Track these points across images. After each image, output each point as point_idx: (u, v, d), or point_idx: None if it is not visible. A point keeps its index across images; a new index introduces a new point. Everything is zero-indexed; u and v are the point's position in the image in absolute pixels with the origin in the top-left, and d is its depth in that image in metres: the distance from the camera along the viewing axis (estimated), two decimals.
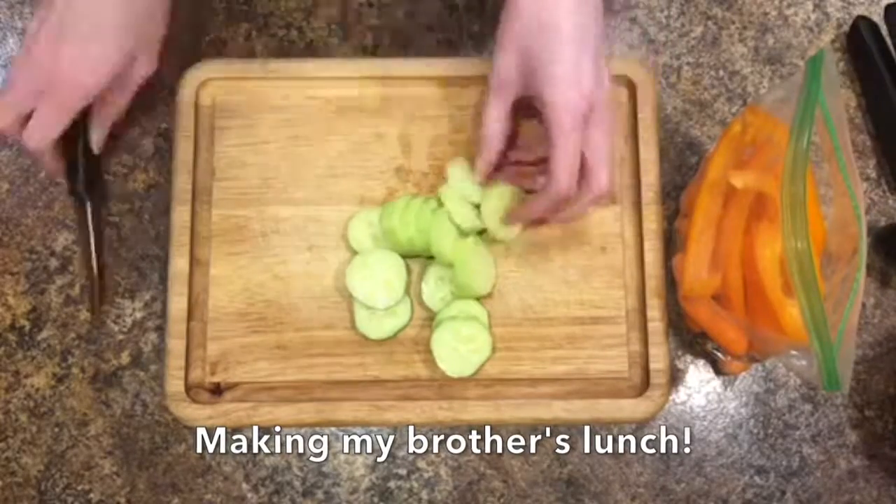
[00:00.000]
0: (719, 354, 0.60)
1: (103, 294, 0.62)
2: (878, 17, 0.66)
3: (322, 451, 0.60)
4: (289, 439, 0.60)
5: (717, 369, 0.61)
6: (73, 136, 0.61)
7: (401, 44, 0.66)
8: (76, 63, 0.53)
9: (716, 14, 0.67)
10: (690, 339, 0.58)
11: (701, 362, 0.62)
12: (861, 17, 0.65)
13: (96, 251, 0.61)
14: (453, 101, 0.62)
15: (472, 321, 0.57)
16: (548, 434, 0.60)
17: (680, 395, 0.61)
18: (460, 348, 0.57)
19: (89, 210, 0.62)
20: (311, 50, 0.66)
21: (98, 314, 0.61)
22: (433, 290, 0.59)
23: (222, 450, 0.60)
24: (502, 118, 0.55)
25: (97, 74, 0.54)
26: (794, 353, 0.51)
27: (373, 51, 0.66)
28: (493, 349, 0.58)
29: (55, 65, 0.53)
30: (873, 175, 0.65)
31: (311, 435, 0.60)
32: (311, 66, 0.62)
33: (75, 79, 0.53)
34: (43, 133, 0.55)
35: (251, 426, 0.59)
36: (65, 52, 0.52)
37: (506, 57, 0.52)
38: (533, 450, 0.60)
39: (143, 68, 0.56)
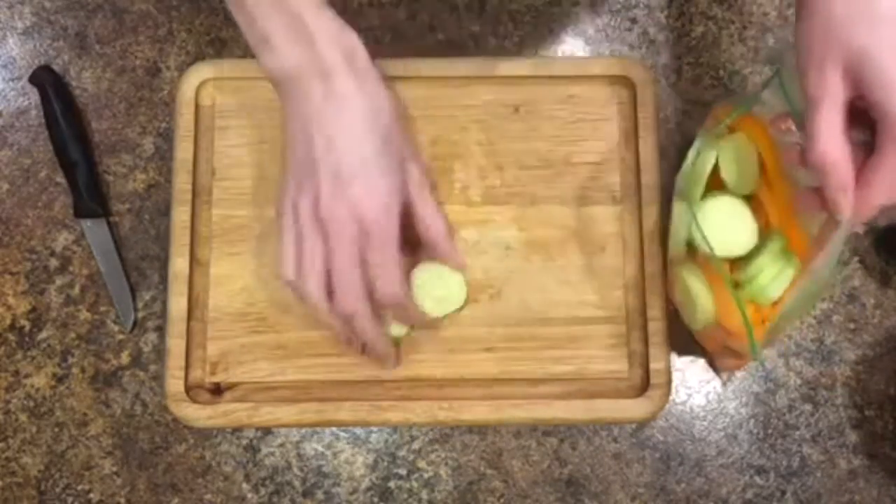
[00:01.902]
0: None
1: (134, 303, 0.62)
2: None
3: (322, 451, 0.60)
4: (289, 439, 0.60)
5: (714, 367, 0.61)
6: (72, 154, 0.62)
7: (401, 44, 0.66)
8: (371, 202, 0.51)
9: (716, 14, 0.67)
10: (689, 336, 0.58)
11: (701, 362, 0.62)
12: None
13: (122, 263, 0.62)
14: (454, 100, 0.62)
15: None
16: (548, 434, 0.60)
17: (680, 395, 0.61)
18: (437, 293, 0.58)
19: (105, 222, 0.62)
20: None
21: (135, 325, 0.62)
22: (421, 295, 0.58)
23: (222, 450, 0.60)
24: (842, 136, 0.44)
25: (396, 204, 0.52)
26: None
27: (373, 51, 0.66)
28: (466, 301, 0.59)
29: (354, 215, 0.50)
30: None
31: (312, 435, 0.60)
32: None
33: (380, 219, 0.51)
34: (394, 285, 0.52)
35: (251, 426, 0.59)
36: (357, 197, 0.50)
37: (825, 60, 0.43)
38: (533, 450, 0.60)
39: (416, 173, 0.55)
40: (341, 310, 0.52)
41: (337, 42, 0.51)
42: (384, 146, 0.52)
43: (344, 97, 0.51)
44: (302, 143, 0.52)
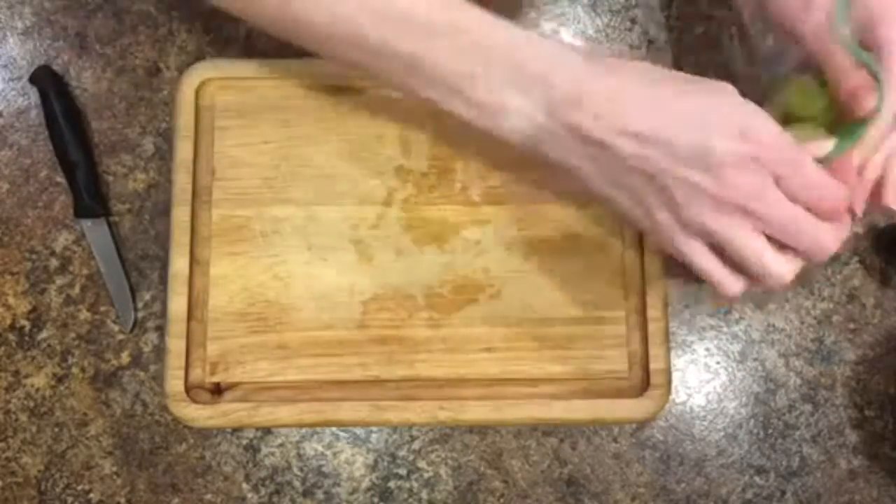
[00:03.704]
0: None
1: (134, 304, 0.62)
2: None
3: (322, 451, 0.60)
4: (289, 439, 0.60)
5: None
6: (72, 154, 0.62)
7: None
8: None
9: (716, 14, 0.67)
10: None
11: (701, 362, 0.62)
12: None
13: (122, 263, 0.62)
14: None
15: None
16: (548, 434, 0.60)
17: (680, 395, 0.61)
18: None
19: (105, 222, 0.62)
20: None
21: (135, 325, 0.62)
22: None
23: (222, 450, 0.60)
24: None
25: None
26: None
27: None
28: None
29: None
30: None
31: (312, 435, 0.60)
32: (311, 66, 0.62)
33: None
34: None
35: (251, 426, 0.59)
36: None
37: None
38: (533, 450, 0.60)
39: None
40: None
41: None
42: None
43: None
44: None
